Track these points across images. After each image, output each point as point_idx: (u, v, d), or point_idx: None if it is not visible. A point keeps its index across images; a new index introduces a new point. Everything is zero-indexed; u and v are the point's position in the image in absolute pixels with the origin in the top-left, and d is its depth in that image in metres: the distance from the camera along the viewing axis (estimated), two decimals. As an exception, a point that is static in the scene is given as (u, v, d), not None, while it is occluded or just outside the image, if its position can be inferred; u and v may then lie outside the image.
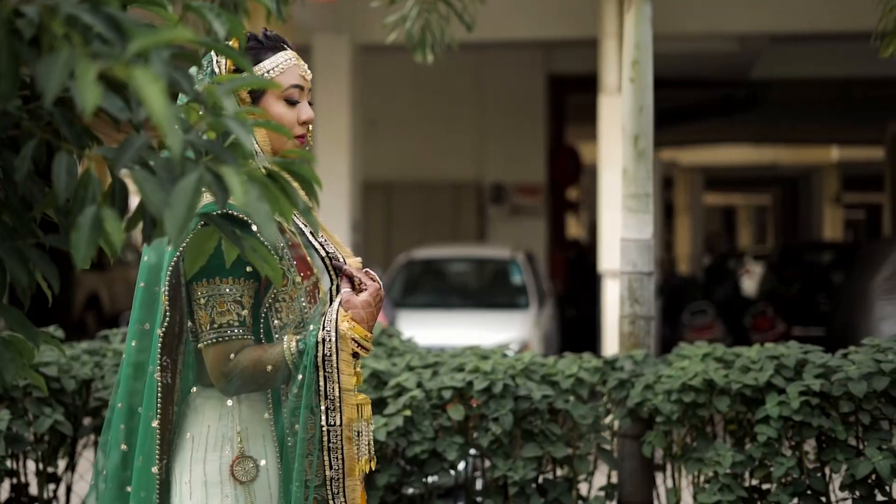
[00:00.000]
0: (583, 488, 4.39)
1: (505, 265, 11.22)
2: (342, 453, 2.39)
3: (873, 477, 3.83)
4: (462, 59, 14.35)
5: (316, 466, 2.40)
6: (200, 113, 1.95)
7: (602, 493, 4.15)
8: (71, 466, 4.36)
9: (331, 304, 2.46)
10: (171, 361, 2.44)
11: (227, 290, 2.37)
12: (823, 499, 3.93)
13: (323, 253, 2.51)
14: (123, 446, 2.49)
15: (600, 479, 4.43)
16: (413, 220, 15.57)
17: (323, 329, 2.38)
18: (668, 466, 4.18)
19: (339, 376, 2.37)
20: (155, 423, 2.42)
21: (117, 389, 2.53)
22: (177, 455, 2.45)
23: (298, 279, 2.45)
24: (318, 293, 2.52)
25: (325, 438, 2.37)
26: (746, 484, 3.96)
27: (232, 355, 2.37)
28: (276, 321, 2.44)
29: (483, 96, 15.53)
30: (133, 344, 2.51)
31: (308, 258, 2.50)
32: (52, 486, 4.35)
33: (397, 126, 15.49)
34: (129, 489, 2.47)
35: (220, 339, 2.37)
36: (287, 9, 4.45)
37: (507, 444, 3.96)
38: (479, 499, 4.09)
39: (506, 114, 15.41)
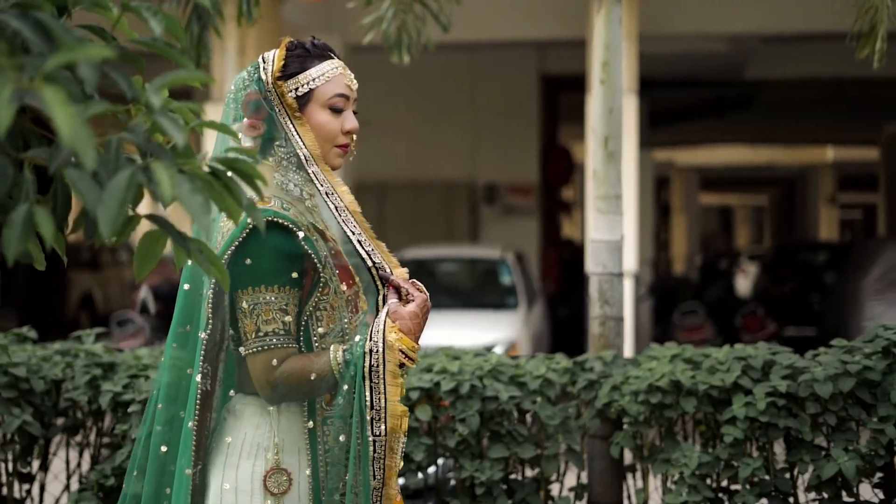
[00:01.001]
0: (555, 489, 4.40)
1: (494, 265, 11.23)
2: (384, 463, 2.40)
3: (840, 478, 3.84)
4: (455, 59, 14.37)
5: (353, 476, 2.41)
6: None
7: (571, 494, 4.16)
8: (44, 467, 4.37)
9: (377, 314, 2.47)
10: (212, 368, 2.47)
11: (273, 298, 2.38)
12: (792, 500, 3.94)
13: (370, 263, 2.50)
14: (163, 448, 2.52)
15: (572, 479, 4.44)
16: (406, 219, 15.57)
17: (370, 339, 2.39)
18: (639, 467, 4.18)
19: (384, 387, 2.37)
20: (191, 425, 2.45)
21: (157, 390, 2.56)
22: (213, 459, 2.48)
23: (341, 288, 2.46)
24: (360, 303, 2.53)
25: (371, 448, 2.38)
26: (714, 485, 3.97)
27: (276, 363, 2.39)
28: (317, 329, 2.45)
29: (476, 96, 15.54)
30: (174, 346, 2.53)
31: (351, 267, 2.51)
32: (25, 486, 4.36)
33: (390, 126, 15.49)
34: (168, 490, 2.50)
35: (265, 347, 2.39)
36: (259, 10, 4.46)
37: (474, 444, 3.97)
38: (447, 499, 4.10)
39: (499, 114, 15.42)
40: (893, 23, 4.84)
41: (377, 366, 2.37)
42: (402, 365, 2.39)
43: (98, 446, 4.40)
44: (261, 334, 2.38)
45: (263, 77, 2.53)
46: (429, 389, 3.98)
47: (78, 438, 4.44)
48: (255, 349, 2.39)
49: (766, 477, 3.89)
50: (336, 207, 2.50)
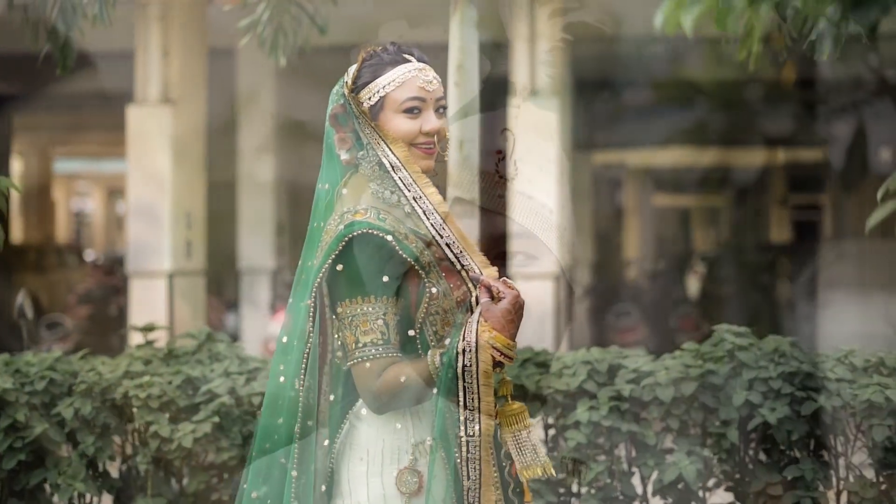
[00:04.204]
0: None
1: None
2: (479, 464, 2.39)
3: (685, 483, 3.84)
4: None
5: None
6: None
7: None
8: None
9: (471, 315, 2.47)
10: (314, 381, 2.48)
11: (369, 308, 2.40)
12: (640, 504, 3.95)
13: (459, 266, 2.50)
14: (265, 444, 2.56)
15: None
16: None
17: (463, 339, 2.38)
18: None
19: (478, 387, 2.37)
20: (296, 431, 2.48)
21: (265, 403, 2.59)
22: (347, 468, 2.47)
23: (449, 291, 2.47)
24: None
25: (465, 449, 2.38)
26: (561, 489, 3.96)
27: (377, 373, 2.39)
28: (434, 335, 2.45)
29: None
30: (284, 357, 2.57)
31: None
32: None
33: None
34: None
35: (365, 357, 2.40)
36: (113, 10, 4.42)
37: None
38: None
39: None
40: (767, 25, 4.84)
41: (470, 365, 2.36)
42: (500, 364, 2.39)
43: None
44: (360, 345, 2.40)
45: (346, 81, 2.56)
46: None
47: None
48: (356, 360, 2.41)
49: (610, 481, 3.89)
50: (424, 211, 2.51)
